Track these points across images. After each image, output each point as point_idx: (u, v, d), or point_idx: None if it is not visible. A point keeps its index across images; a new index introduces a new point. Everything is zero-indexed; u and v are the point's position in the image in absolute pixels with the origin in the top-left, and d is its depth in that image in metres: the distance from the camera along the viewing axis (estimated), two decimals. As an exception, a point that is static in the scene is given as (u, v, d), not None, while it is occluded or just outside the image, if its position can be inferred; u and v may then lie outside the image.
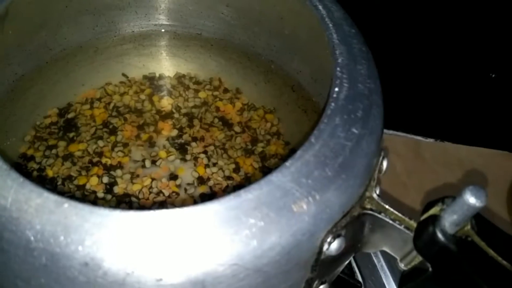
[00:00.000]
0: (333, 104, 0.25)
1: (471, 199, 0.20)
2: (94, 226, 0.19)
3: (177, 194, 0.36)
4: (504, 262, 0.22)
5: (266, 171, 0.37)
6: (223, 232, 0.20)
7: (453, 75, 0.68)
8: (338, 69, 0.26)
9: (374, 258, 0.41)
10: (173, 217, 0.20)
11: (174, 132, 0.39)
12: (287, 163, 0.22)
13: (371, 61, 0.28)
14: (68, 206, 0.20)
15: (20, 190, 0.20)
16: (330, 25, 0.28)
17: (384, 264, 0.41)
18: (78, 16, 0.38)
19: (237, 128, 0.40)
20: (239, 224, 0.20)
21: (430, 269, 0.23)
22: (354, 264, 0.41)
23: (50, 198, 0.20)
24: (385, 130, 0.66)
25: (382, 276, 0.41)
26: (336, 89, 0.25)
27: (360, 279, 0.41)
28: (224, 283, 0.21)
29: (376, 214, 0.24)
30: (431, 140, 0.64)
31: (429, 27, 0.69)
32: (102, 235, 0.19)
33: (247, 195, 0.21)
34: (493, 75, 0.67)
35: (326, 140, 0.23)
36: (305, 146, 0.23)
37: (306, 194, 0.22)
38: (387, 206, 0.25)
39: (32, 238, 0.19)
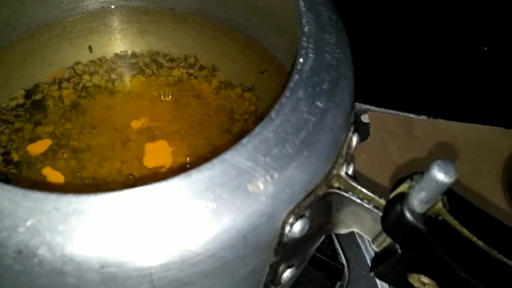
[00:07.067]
0: (296, 76, 0.23)
1: (439, 175, 0.18)
2: (28, 211, 0.18)
3: (148, 176, 0.34)
4: (480, 242, 0.21)
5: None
6: (170, 215, 0.19)
7: (444, 49, 0.66)
8: (304, 38, 0.25)
9: (358, 239, 0.40)
10: (114, 200, 0.18)
11: (146, 112, 0.37)
12: (243, 141, 0.21)
13: (341, 30, 0.26)
14: (0, 190, 0.18)
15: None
16: (297, -8, 0.26)
17: (368, 245, 0.40)
18: (42, -8, 0.36)
19: (213, 107, 0.38)
20: (188, 206, 0.19)
21: (400, 250, 0.22)
22: (337, 246, 0.40)
23: (-19, 182, 0.18)
24: (376, 108, 0.64)
25: (367, 257, 0.40)
26: (301, 60, 0.24)
27: (343, 261, 0.39)
28: (173, 269, 0.19)
29: (343, 193, 0.23)
30: (424, 117, 0.62)
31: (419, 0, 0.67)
32: (36, 221, 0.18)
33: (198, 176, 0.20)
34: (485, 48, 0.64)
35: (287, 115, 0.22)
36: (264, 122, 0.21)
37: (263, 173, 0.20)
38: (355, 184, 0.23)
39: (-38, 225, 0.18)
